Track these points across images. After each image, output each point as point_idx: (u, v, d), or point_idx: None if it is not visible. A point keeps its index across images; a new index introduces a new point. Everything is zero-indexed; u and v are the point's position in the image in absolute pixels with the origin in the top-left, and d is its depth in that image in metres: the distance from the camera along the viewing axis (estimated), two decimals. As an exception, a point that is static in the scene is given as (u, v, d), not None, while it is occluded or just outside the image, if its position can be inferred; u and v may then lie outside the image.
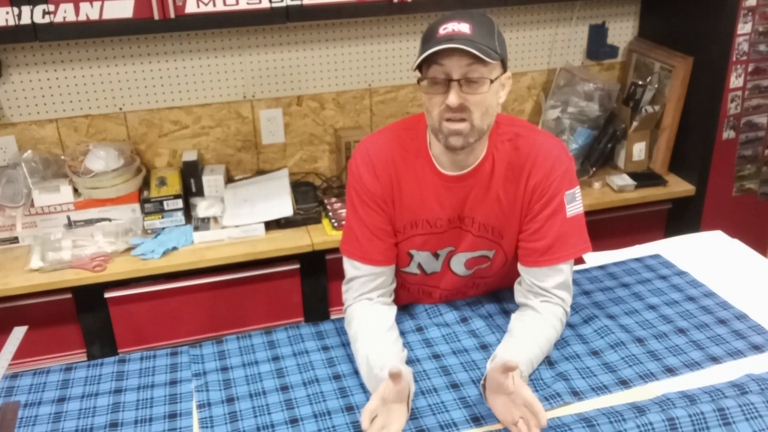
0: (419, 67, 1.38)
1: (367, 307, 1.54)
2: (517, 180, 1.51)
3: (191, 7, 2.19)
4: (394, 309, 1.58)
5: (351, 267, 1.56)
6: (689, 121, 2.76)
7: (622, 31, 2.99)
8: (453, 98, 1.35)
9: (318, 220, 2.51)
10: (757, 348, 1.54)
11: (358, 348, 1.46)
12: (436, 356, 1.54)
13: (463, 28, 1.34)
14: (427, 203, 1.53)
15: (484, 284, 1.69)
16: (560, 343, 1.56)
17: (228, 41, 2.57)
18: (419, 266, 1.62)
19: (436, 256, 1.60)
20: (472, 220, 1.55)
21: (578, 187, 1.54)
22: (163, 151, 2.66)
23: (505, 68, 1.42)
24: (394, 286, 1.61)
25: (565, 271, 1.53)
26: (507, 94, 1.45)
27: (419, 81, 1.40)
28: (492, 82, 1.37)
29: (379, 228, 1.54)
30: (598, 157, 2.82)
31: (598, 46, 2.93)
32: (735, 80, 2.65)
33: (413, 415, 1.37)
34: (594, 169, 2.82)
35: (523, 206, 1.52)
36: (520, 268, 1.57)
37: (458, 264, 1.61)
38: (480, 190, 1.51)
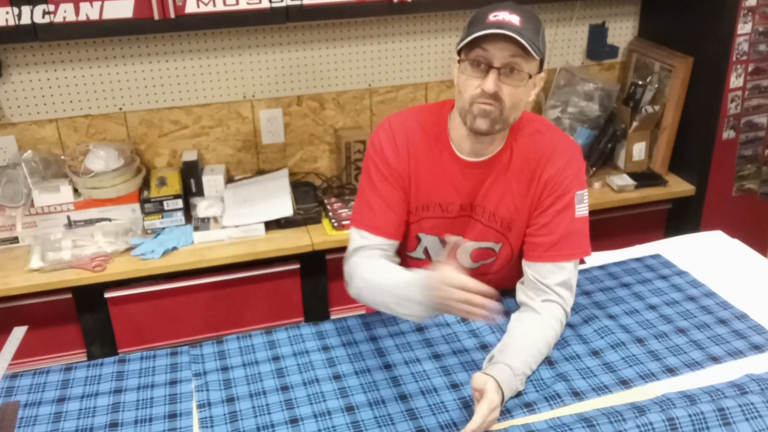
0: (460, 49, 1.40)
1: (372, 257, 1.53)
2: (532, 173, 1.53)
3: (191, 7, 2.19)
4: None
5: (358, 237, 1.55)
6: (689, 121, 2.76)
7: (622, 31, 2.99)
8: (490, 84, 1.37)
9: (318, 220, 2.51)
10: (757, 348, 1.54)
11: (381, 279, 1.44)
12: (436, 356, 1.54)
13: (514, 19, 1.36)
14: (442, 187, 1.55)
15: (486, 282, 1.68)
16: (560, 343, 1.56)
17: (228, 41, 2.57)
18: (425, 251, 1.63)
19: (444, 243, 1.61)
20: (483, 209, 1.56)
21: (587, 190, 1.56)
22: (163, 151, 2.66)
23: (541, 68, 1.44)
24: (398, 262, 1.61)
25: (568, 270, 1.53)
26: (536, 93, 1.47)
27: (459, 62, 1.41)
28: (530, 77, 1.39)
29: (394, 202, 1.55)
30: (598, 157, 2.82)
31: (598, 46, 2.93)
32: (735, 80, 2.65)
33: (413, 416, 1.37)
34: (594, 169, 2.82)
35: (534, 199, 1.54)
36: (524, 264, 1.58)
37: (464, 254, 1.62)
38: (495, 179, 1.54)
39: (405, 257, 1.66)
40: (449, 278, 1.27)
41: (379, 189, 1.55)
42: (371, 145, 1.58)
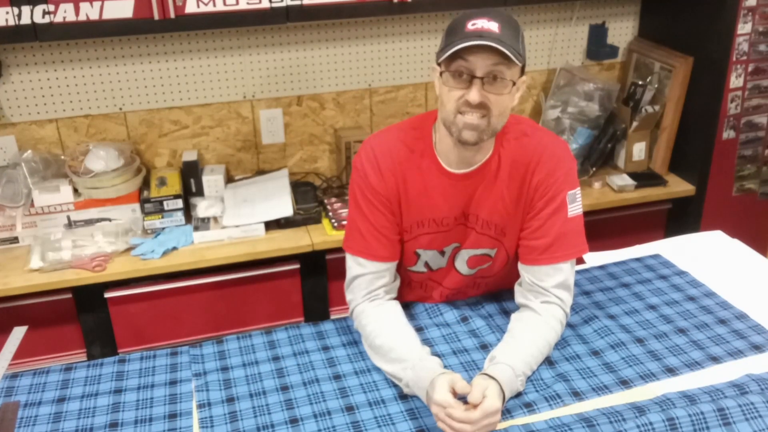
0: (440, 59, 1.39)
1: (379, 304, 1.55)
2: (522, 177, 1.52)
3: (191, 7, 2.19)
4: (399, 304, 1.59)
5: (355, 264, 1.56)
6: (689, 121, 2.76)
7: (622, 31, 2.99)
8: (474, 95, 1.35)
9: (318, 220, 2.51)
10: (757, 348, 1.54)
11: (383, 344, 1.46)
12: (437, 356, 1.53)
13: (492, 26, 1.34)
14: (434, 202, 1.53)
15: (485, 284, 1.69)
16: (560, 343, 1.56)
17: (228, 41, 2.57)
18: (426, 264, 1.63)
19: (442, 253, 1.61)
20: (476, 217, 1.55)
21: (579, 188, 1.55)
22: (163, 151, 2.66)
23: (523, 72, 1.42)
24: (398, 283, 1.62)
25: (565, 271, 1.53)
26: (519, 98, 1.46)
27: (441, 74, 1.40)
28: (514, 84, 1.38)
29: (384, 226, 1.54)
30: (598, 157, 2.82)
31: (598, 46, 2.93)
32: (735, 80, 2.65)
33: (413, 416, 1.37)
34: (594, 169, 2.82)
35: (526, 203, 1.53)
36: (521, 267, 1.57)
37: (461, 262, 1.62)
38: (485, 187, 1.52)
39: (405, 272, 1.65)
40: (442, 401, 1.28)
41: (367, 215, 1.53)
42: (355, 170, 1.55)
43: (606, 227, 2.72)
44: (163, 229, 2.45)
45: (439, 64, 1.40)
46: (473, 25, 1.34)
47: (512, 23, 1.38)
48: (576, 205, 1.53)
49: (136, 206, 2.45)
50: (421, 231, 1.56)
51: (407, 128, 1.56)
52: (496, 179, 1.52)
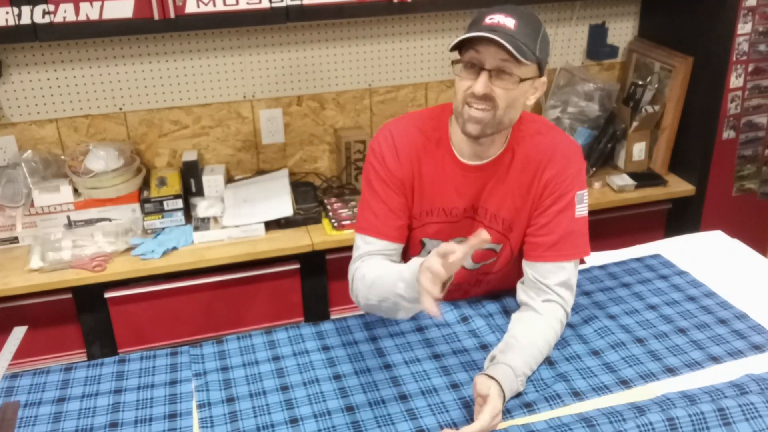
0: (459, 50, 1.41)
1: (376, 259, 1.53)
2: (533, 175, 1.53)
3: (191, 7, 2.19)
4: None
5: (363, 243, 1.57)
6: (689, 121, 2.76)
7: (622, 31, 2.99)
8: (479, 86, 1.37)
9: (318, 220, 2.51)
10: (757, 348, 1.54)
11: (382, 274, 1.44)
12: (436, 356, 1.54)
13: (509, 22, 1.36)
14: (445, 192, 1.55)
15: (487, 282, 1.69)
16: (561, 343, 1.56)
17: (228, 41, 2.57)
18: None
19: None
20: (485, 211, 1.57)
21: (587, 190, 1.56)
22: (163, 151, 2.66)
23: (541, 71, 1.43)
24: None
25: (568, 270, 1.54)
26: (537, 98, 1.47)
27: (454, 63, 1.42)
28: (522, 81, 1.39)
29: (396, 207, 1.55)
30: (598, 157, 2.82)
31: (598, 46, 2.93)
32: (735, 80, 2.65)
33: (413, 416, 1.37)
34: (594, 169, 2.82)
35: (534, 200, 1.55)
36: (525, 264, 1.58)
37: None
38: (497, 181, 1.54)
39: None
40: (439, 250, 1.25)
41: (380, 194, 1.55)
42: (371, 152, 1.58)
43: (606, 227, 2.72)
44: (163, 229, 2.45)
45: (460, 55, 1.42)
46: (491, 19, 1.37)
47: (531, 21, 1.39)
48: (583, 206, 1.55)
49: (136, 206, 2.45)
50: (430, 219, 1.58)
51: (425, 117, 1.58)
52: (508, 174, 1.54)
